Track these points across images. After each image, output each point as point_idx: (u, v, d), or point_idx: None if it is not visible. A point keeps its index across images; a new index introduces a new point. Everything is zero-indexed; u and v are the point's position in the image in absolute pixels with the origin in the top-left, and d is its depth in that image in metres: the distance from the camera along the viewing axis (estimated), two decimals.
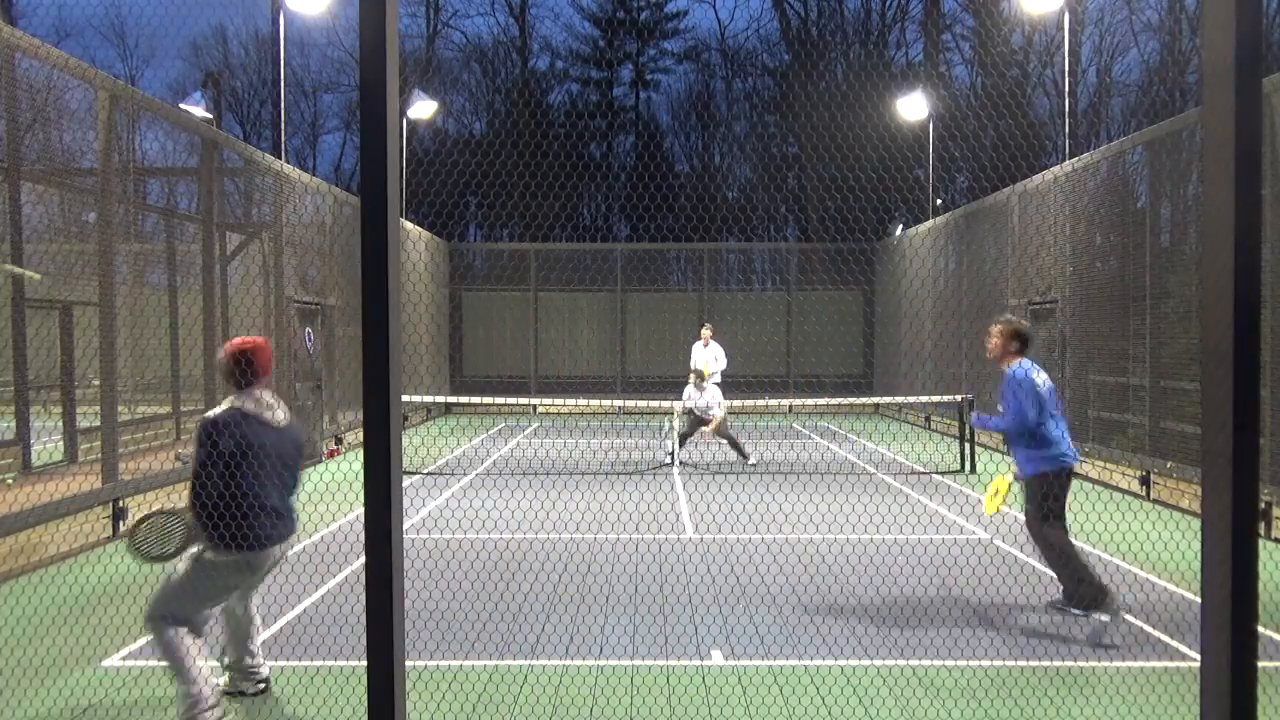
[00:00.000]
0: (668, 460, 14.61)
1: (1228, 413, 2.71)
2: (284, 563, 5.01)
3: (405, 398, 15.71)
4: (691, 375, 14.94)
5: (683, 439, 14.78)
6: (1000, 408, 6.81)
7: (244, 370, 4.77)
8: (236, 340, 4.93)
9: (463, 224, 36.09)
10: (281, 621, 6.48)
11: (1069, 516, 6.60)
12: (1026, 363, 6.71)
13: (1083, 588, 6.33)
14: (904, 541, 8.99)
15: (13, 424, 8.83)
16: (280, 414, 4.84)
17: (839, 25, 40.72)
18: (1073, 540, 6.53)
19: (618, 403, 19.65)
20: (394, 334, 2.78)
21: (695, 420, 14.53)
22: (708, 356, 16.24)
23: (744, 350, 22.63)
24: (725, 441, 14.80)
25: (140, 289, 11.10)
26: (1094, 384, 13.36)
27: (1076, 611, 6.44)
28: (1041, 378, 6.64)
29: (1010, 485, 6.84)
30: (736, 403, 16.90)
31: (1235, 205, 2.68)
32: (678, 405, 14.81)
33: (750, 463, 14.46)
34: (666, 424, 15.27)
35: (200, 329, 11.86)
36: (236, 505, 4.59)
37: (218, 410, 4.74)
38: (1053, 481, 6.52)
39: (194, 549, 4.71)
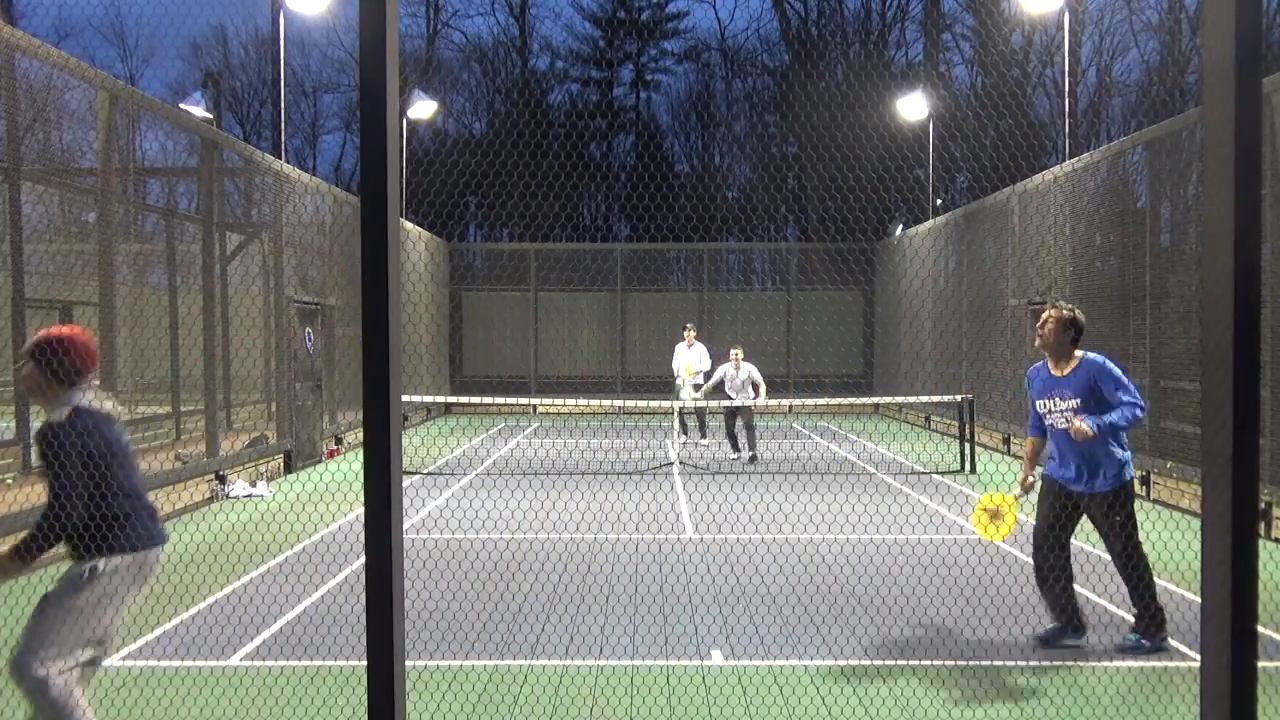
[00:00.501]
0: (738, 455, 15.25)
1: (1228, 413, 2.71)
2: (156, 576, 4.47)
3: (405, 398, 15.72)
4: (684, 377, 15.27)
5: (733, 437, 15.37)
6: (1065, 404, 5.82)
7: (73, 364, 4.03)
8: (52, 331, 4.05)
9: (463, 224, 36.10)
10: (281, 621, 6.48)
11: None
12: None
13: (1154, 608, 5.81)
14: (904, 541, 8.99)
15: (13, 424, 8.83)
16: (114, 406, 4.27)
17: (839, 25, 40.73)
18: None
19: (618, 403, 19.65)
20: (394, 334, 2.78)
21: (731, 413, 15.21)
22: (691, 357, 16.60)
23: (744, 350, 22.60)
24: (735, 430, 15.39)
25: (140, 289, 11.10)
26: None
27: (1148, 643, 5.81)
28: None
29: (1017, 503, 6.10)
30: (737, 402, 16.93)
31: (1235, 205, 2.68)
32: (698, 403, 15.59)
33: (734, 457, 15.11)
34: (681, 424, 15.34)
35: (200, 329, 11.86)
36: (121, 504, 4.14)
37: (62, 414, 3.98)
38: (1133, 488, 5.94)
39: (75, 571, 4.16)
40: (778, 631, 6.22)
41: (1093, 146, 27.44)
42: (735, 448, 15.33)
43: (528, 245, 26.11)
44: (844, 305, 25.10)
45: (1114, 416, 5.67)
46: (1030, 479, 6.12)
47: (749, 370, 15.15)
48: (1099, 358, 5.88)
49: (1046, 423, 5.99)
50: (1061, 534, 5.86)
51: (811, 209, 32.57)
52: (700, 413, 16.55)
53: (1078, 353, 5.92)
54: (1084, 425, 5.59)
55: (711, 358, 16.84)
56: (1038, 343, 5.99)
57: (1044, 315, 6.00)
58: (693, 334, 17.00)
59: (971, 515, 6.18)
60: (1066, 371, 5.88)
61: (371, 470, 2.78)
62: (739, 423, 15.25)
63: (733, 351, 15.41)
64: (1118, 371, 5.83)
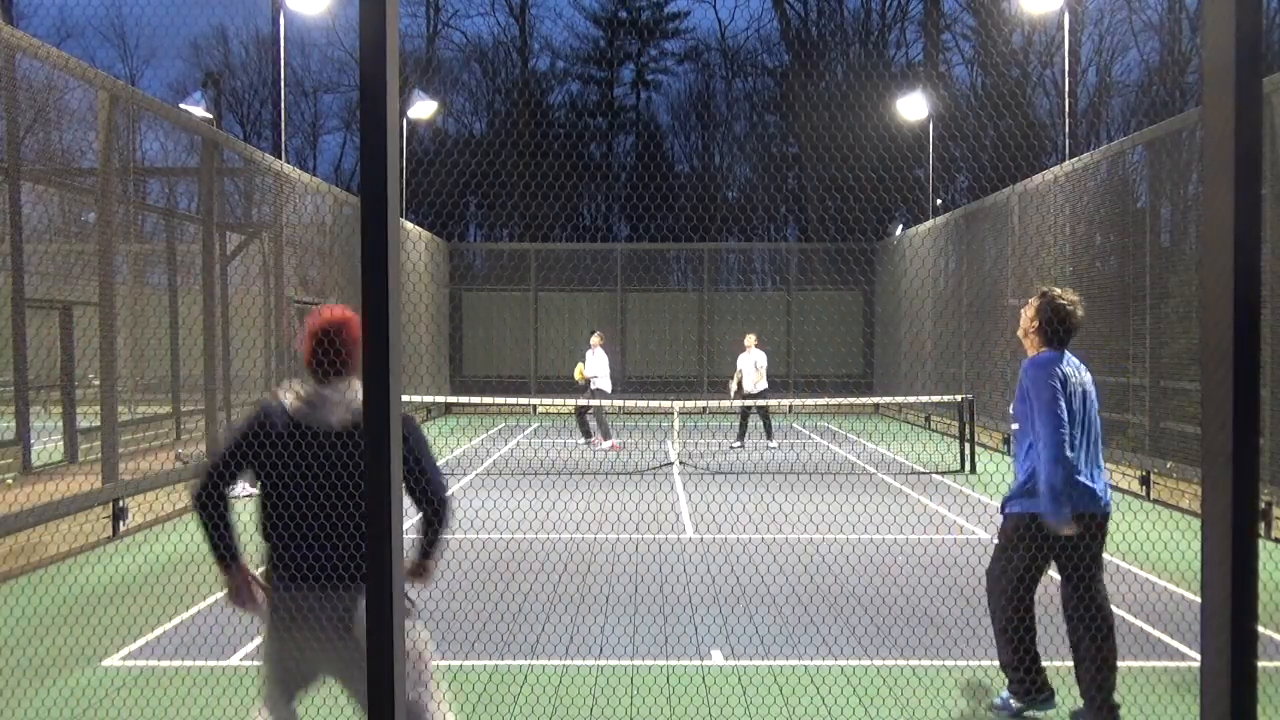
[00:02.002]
0: (771, 447, 16.25)
1: (1228, 413, 2.70)
2: None
3: (405, 398, 15.70)
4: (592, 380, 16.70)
5: (767, 430, 16.41)
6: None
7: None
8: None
9: (463, 224, 36.10)
10: None
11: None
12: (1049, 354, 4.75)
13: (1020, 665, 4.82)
14: (904, 541, 8.99)
15: (13, 424, 8.83)
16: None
17: (839, 25, 40.74)
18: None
19: (617, 403, 19.64)
20: (394, 334, 2.77)
21: (746, 410, 16.22)
22: (599, 362, 17.23)
23: (743, 350, 22.61)
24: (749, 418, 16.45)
25: (140, 289, 11.10)
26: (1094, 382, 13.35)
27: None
28: (1069, 372, 4.68)
29: None
30: (737, 403, 16.98)
31: (1235, 205, 2.67)
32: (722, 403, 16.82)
33: (736, 445, 16.13)
34: (685, 424, 15.47)
35: (200, 329, 11.86)
36: None
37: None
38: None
39: None
40: (778, 631, 6.22)
41: (1093, 146, 27.45)
42: (770, 436, 16.49)
43: (528, 245, 26.11)
44: (844, 305, 25.10)
45: (1043, 482, 4.53)
46: None
47: (759, 355, 16.18)
48: (1034, 360, 4.73)
49: None
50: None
51: (811, 209, 32.57)
52: (598, 413, 17.03)
53: (1042, 349, 4.80)
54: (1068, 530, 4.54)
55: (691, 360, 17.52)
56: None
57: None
58: (598, 339, 17.60)
59: None
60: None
61: (371, 470, 2.78)
62: (753, 413, 16.38)
63: (747, 338, 16.41)
64: (1031, 383, 4.61)
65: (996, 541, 4.87)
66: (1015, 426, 4.80)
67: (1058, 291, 4.84)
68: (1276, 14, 30.63)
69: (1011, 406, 4.91)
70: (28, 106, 8.81)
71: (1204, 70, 2.80)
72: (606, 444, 16.53)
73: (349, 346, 3.40)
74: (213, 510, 3.39)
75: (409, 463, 3.38)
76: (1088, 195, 13.62)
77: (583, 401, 16.47)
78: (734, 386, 16.36)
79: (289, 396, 3.47)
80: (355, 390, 3.37)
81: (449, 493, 3.55)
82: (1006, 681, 4.86)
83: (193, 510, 3.43)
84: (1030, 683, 4.75)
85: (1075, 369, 4.71)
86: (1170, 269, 11.69)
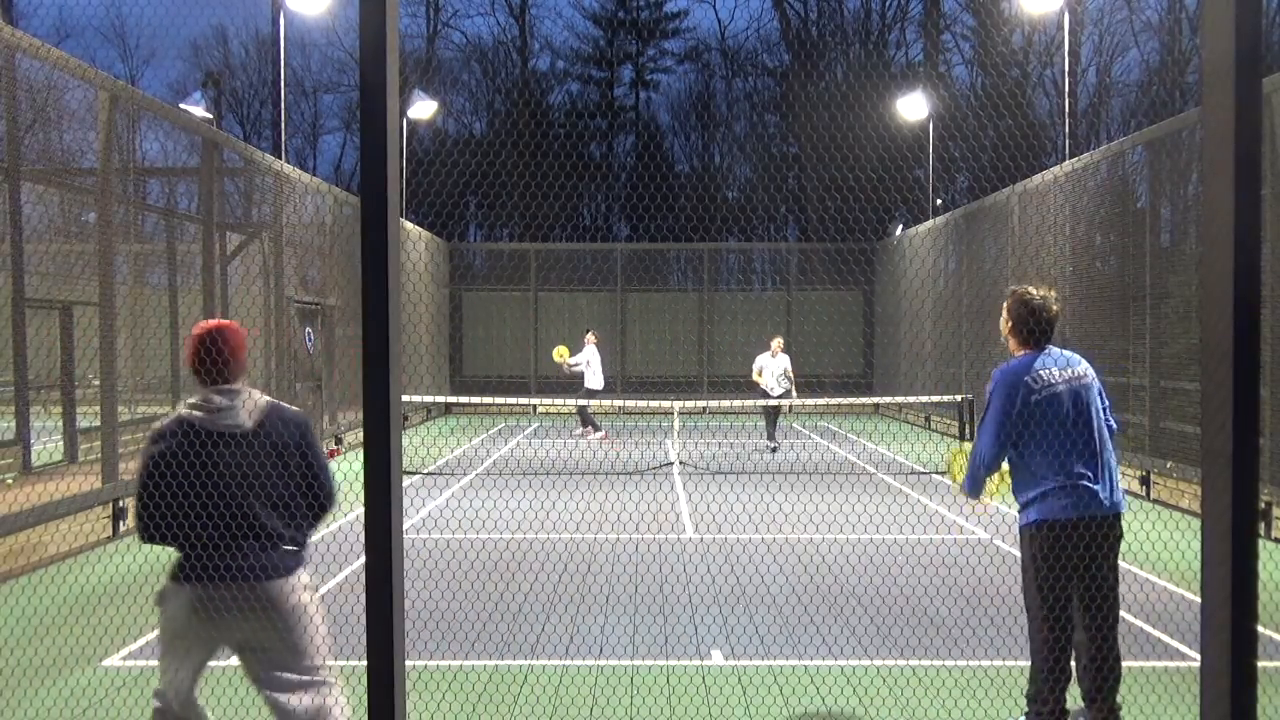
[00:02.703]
0: (774, 449, 16.17)
1: (1228, 413, 2.71)
2: None
3: (405, 398, 15.73)
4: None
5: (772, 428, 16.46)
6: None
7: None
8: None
9: (463, 224, 36.10)
10: None
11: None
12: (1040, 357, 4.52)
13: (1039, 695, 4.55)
14: (904, 541, 8.99)
15: (13, 424, 8.83)
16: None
17: (839, 25, 40.74)
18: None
19: (618, 403, 19.66)
20: (394, 334, 2.78)
21: (773, 410, 16.25)
22: (591, 359, 18.28)
23: (743, 350, 22.62)
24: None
25: (140, 289, 11.09)
26: None
27: None
28: (1044, 374, 4.46)
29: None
30: (737, 402, 17.01)
31: (1235, 205, 2.67)
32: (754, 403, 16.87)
33: (772, 447, 16.17)
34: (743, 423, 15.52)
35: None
36: None
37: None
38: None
39: None
40: (778, 631, 6.22)
41: (1093, 146, 27.45)
42: (771, 439, 16.44)
43: (528, 245, 26.11)
44: (844, 305, 25.10)
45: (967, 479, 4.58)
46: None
47: (785, 361, 16.10)
48: (1011, 365, 4.53)
49: None
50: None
51: (811, 209, 32.57)
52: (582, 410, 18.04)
53: (1017, 352, 4.65)
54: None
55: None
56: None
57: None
58: (592, 338, 18.68)
59: (954, 465, 5.04)
60: None
61: (371, 470, 2.78)
62: (774, 417, 16.40)
63: (773, 341, 16.34)
64: (1001, 399, 4.43)
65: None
66: None
67: (1026, 288, 4.66)
68: (1276, 14, 30.62)
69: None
70: (28, 106, 8.81)
71: (1204, 70, 2.81)
72: (596, 435, 17.70)
73: (228, 353, 3.61)
74: (162, 540, 3.61)
75: (303, 461, 3.67)
76: (1088, 195, 13.62)
77: (580, 400, 17.34)
78: (772, 383, 16.03)
79: (183, 408, 3.64)
80: (250, 393, 3.64)
81: (336, 497, 3.88)
82: (1024, 711, 4.58)
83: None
84: None
85: (1060, 368, 4.50)
86: (1170, 269, 11.69)
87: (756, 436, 17.51)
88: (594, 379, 18.13)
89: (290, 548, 3.64)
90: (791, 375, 16.10)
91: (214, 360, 3.58)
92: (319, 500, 3.78)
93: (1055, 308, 4.62)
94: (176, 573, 3.57)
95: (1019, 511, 4.57)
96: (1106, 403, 4.67)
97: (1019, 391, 4.40)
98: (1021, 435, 4.38)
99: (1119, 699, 4.53)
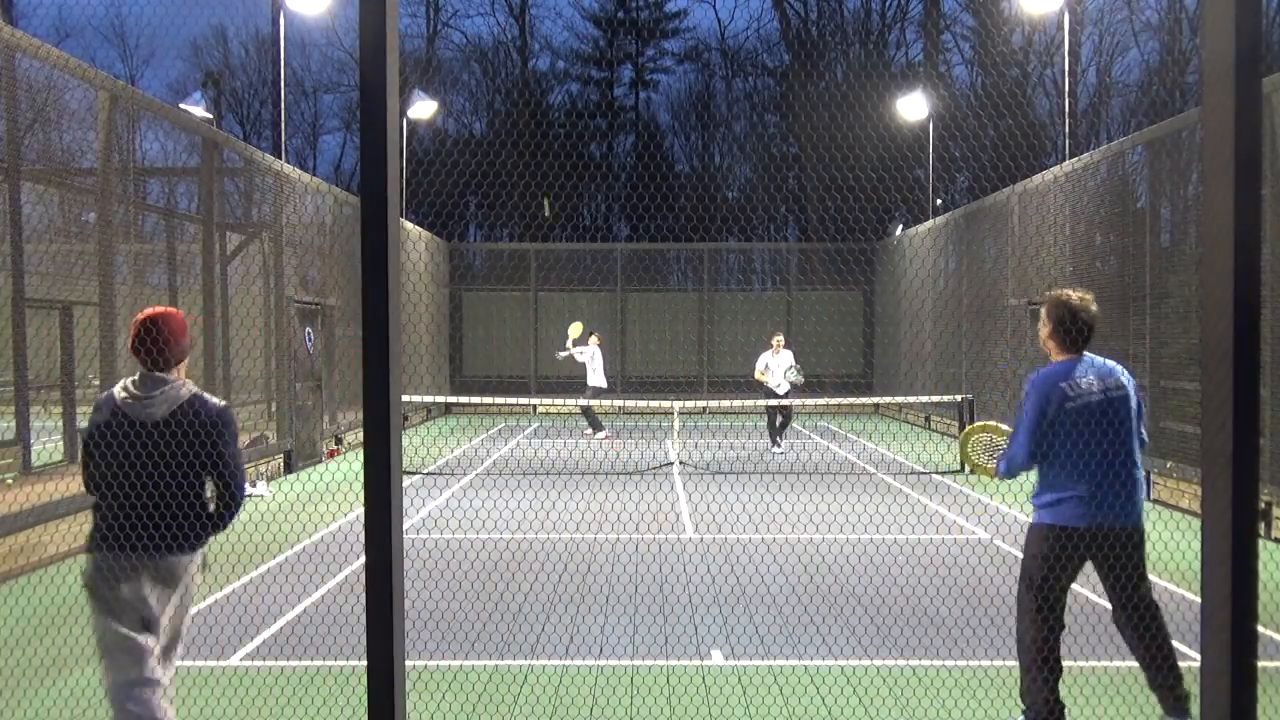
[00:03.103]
0: (780, 452, 15.95)
1: (1228, 413, 2.71)
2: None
3: (405, 398, 15.74)
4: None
5: (781, 428, 16.25)
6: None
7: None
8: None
9: (463, 224, 36.10)
10: (281, 621, 6.48)
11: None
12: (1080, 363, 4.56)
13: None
14: (904, 541, 8.99)
15: (13, 424, 8.83)
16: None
17: (839, 25, 40.73)
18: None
19: (618, 403, 19.66)
20: (394, 334, 2.78)
21: (774, 409, 16.05)
22: (600, 360, 18.67)
23: (743, 350, 22.63)
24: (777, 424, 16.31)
25: (140, 289, 11.09)
26: None
27: None
28: (1082, 383, 4.49)
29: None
30: (737, 402, 17.01)
31: (1235, 205, 2.68)
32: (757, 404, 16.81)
33: (778, 451, 15.98)
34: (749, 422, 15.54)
35: (200, 329, 11.86)
36: None
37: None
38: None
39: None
40: (778, 631, 6.22)
41: (1093, 146, 27.45)
42: (775, 441, 16.20)
43: (528, 245, 26.11)
44: (844, 305, 25.10)
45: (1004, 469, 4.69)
46: None
47: (787, 356, 15.98)
48: (1050, 371, 4.58)
49: None
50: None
51: (811, 209, 32.57)
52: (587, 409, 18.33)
53: (1058, 356, 4.63)
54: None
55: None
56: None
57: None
58: (597, 339, 19.03)
59: (966, 445, 5.08)
60: None
61: (371, 470, 2.78)
62: (779, 418, 16.15)
63: (774, 339, 16.27)
64: (1036, 402, 4.48)
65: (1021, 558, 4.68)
66: None
67: (1065, 291, 4.67)
68: (1276, 14, 30.63)
69: None
70: (28, 106, 8.81)
71: (1204, 70, 2.81)
72: (599, 435, 17.97)
73: (162, 342, 3.79)
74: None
75: (214, 452, 3.81)
76: (1088, 195, 13.62)
77: (584, 400, 17.68)
78: (780, 380, 15.90)
79: (119, 390, 3.86)
80: (176, 384, 3.83)
81: (245, 495, 3.97)
82: (1023, 709, 4.59)
83: None
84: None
85: (1100, 377, 4.51)
86: (1170, 269, 11.69)
87: (757, 437, 17.51)
88: (596, 378, 18.39)
89: (191, 532, 3.81)
90: (799, 368, 15.96)
91: (148, 347, 3.77)
92: (223, 498, 3.87)
93: (1094, 310, 4.62)
94: (89, 542, 3.86)
95: (1036, 509, 4.57)
96: (1143, 415, 4.67)
97: (1055, 397, 4.44)
98: (1051, 441, 4.43)
99: (1188, 695, 4.49)
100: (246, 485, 4.01)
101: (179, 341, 3.84)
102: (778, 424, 16.22)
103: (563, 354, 18.77)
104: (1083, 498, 4.40)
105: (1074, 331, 4.54)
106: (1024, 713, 4.57)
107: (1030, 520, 4.63)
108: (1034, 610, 4.51)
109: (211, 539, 3.92)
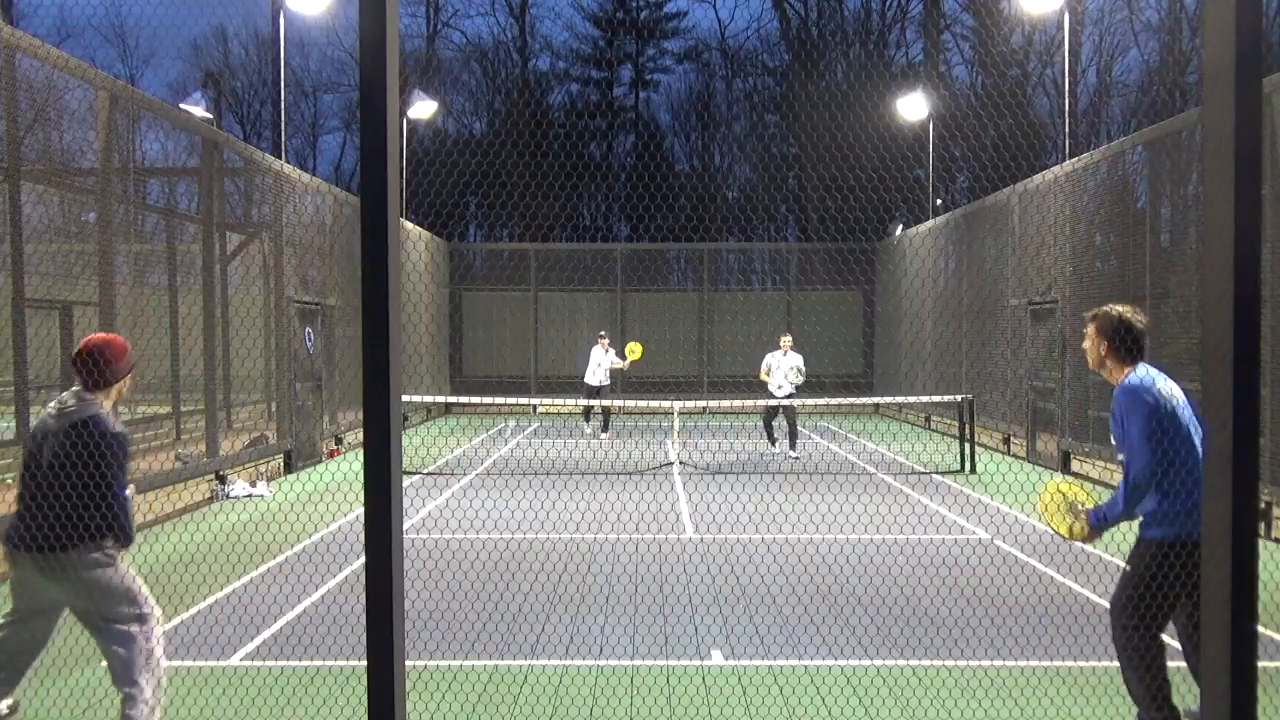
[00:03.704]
0: (794, 456, 15.56)
1: (1228, 413, 2.71)
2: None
3: (405, 398, 15.74)
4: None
5: (770, 430, 15.96)
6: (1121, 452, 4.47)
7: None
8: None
9: (463, 224, 36.10)
10: (281, 621, 6.48)
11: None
12: (1145, 370, 4.51)
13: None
14: (904, 541, 8.99)
15: (13, 424, 8.83)
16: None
17: (839, 25, 40.74)
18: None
19: (618, 403, 19.66)
20: (394, 334, 2.78)
21: (773, 409, 15.71)
22: (608, 360, 18.30)
23: (743, 350, 22.64)
24: (775, 424, 16.05)
25: (140, 289, 11.10)
26: (1094, 384, 13.36)
27: None
28: (1169, 388, 4.49)
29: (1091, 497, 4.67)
30: (737, 402, 17.00)
31: (1235, 205, 2.68)
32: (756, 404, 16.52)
33: (774, 451, 15.79)
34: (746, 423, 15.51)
35: (200, 329, 11.86)
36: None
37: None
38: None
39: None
40: (778, 631, 6.22)
41: (1093, 146, 27.45)
42: (772, 440, 15.94)
43: (528, 245, 26.11)
44: (844, 305, 25.10)
45: (1106, 508, 4.41)
46: None
47: (796, 359, 15.53)
48: (1138, 381, 4.41)
49: None
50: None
51: (811, 209, 32.57)
52: (606, 411, 18.19)
53: (1126, 368, 4.53)
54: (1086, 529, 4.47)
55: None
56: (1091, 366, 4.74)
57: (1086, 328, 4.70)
58: (606, 340, 18.73)
59: (1043, 506, 4.76)
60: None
61: (371, 470, 2.78)
62: (780, 418, 15.78)
63: (782, 339, 15.87)
64: (1143, 413, 4.31)
65: (1125, 569, 4.49)
66: (1120, 455, 4.51)
67: (1108, 308, 4.62)
68: (1276, 14, 30.63)
69: (1115, 435, 4.58)
70: (28, 106, 8.81)
71: (1204, 70, 2.81)
72: (603, 435, 18.04)
73: (92, 365, 4.26)
74: None
75: (94, 469, 4.16)
76: (1088, 195, 13.62)
77: (605, 401, 17.78)
78: (781, 381, 15.59)
79: (54, 402, 4.38)
80: (90, 403, 4.24)
81: (124, 512, 4.25)
82: (1136, 713, 4.52)
83: None
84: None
85: (1165, 380, 4.49)
86: (1170, 269, 11.69)
87: (757, 437, 17.50)
88: (603, 376, 18.54)
89: (74, 533, 4.17)
90: (803, 370, 15.52)
91: (81, 370, 4.28)
92: (100, 513, 4.19)
93: (1143, 319, 4.61)
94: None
95: (1153, 526, 4.34)
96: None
97: (1158, 405, 4.35)
98: (1167, 449, 4.29)
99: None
100: (130, 505, 4.28)
101: (111, 367, 4.28)
102: (785, 428, 15.74)
103: (620, 364, 18.55)
104: (1199, 504, 4.09)
105: (1130, 341, 4.50)
106: (1137, 717, 4.45)
107: (1140, 538, 4.36)
108: (1149, 631, 4.30)
109: (112, 545, 4.25)
